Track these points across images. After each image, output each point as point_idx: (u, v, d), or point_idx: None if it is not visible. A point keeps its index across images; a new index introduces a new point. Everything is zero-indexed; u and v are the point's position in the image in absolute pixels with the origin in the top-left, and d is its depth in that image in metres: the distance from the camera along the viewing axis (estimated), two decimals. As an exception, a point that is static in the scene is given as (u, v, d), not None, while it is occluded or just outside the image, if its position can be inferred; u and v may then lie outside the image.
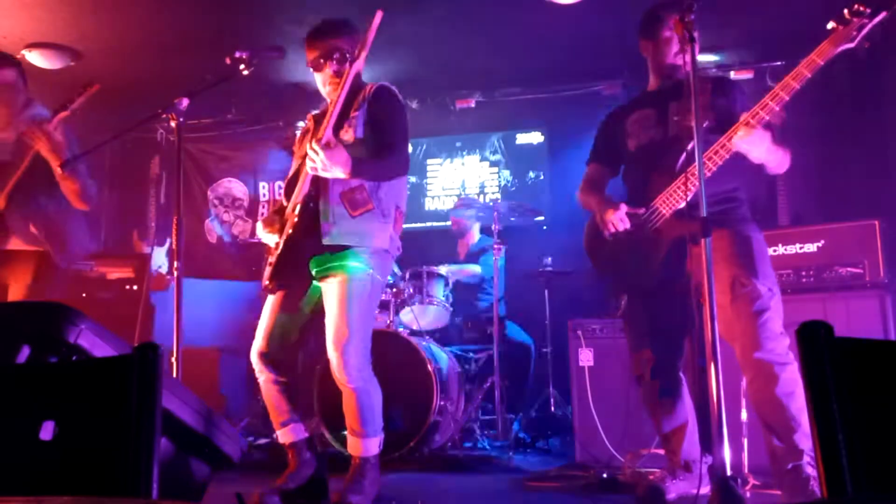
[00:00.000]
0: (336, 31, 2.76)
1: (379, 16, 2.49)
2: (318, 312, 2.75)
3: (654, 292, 2.69)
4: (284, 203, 2.80)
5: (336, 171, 2.51)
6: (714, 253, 2.52)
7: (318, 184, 2.63)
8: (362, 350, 2.64)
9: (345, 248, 2.63)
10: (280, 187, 6.13)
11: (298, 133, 3.04)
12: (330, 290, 2.65)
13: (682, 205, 2.54)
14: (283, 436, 2.76)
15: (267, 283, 2.73)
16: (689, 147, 2.51)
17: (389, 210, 2.72)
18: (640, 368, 2.78)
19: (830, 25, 2.38)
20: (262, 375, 2.75)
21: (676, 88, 2.67)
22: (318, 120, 2.87)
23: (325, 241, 2.60)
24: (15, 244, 3.17)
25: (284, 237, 2.67)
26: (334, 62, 2.73)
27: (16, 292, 3.14)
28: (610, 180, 3.02)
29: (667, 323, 2.72)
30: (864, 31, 2.34)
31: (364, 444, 2.67)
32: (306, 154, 2.57)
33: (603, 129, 3.05)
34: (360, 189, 2.63)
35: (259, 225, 2.82)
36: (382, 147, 2.68)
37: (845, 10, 2.35)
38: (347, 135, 2.67)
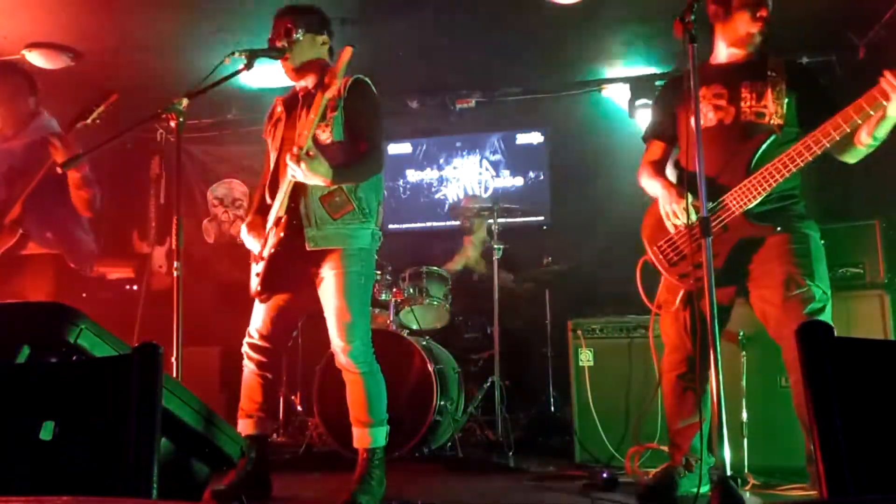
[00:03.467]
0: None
1: (348, 51, 2.55)
2: (312, 316, 2.80)
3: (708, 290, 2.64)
4: (268, 200, 2.81)
5: (317, 180, 2.57)
6: (770, 249, 2.48)
7: (299, 189, 2.68)
8: (366, 335, 2.73)
9: (331, 250, 2.69)
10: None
11: (267, 117, 2.99)
12: (325, 289, 2.71)
13: (755, 203, 2.45)
14: (246, 427, 2.80)
15: (258, 291, 2.80)
16: (766, 139, 2.45)
17: (370, 207, 2.77)
18: (678, 366, 2.72)
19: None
20: (249, 365, 2.84)
21: (750, 66, 2.52)
22: (290, 107, 2.87)
23: (310, 247, 2.67)
24: (32, 249, 3.30)
25: (270, 251, 2.71)
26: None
27: (37, 297, 3.23)
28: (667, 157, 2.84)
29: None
30: None
31: (371, 434, 2.70)
32: (282, 149, 2.70)
33: (663, 100, 2.85)
34: (339, 192, 2.69)
35: (243, 228, 2.87)
36: (360, 148, 2.73)
37: None
38: (325, 135, 2.72)
